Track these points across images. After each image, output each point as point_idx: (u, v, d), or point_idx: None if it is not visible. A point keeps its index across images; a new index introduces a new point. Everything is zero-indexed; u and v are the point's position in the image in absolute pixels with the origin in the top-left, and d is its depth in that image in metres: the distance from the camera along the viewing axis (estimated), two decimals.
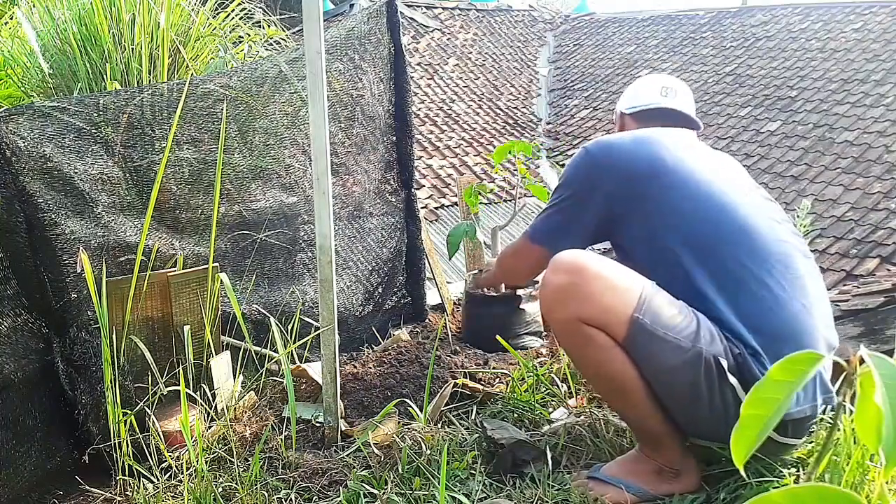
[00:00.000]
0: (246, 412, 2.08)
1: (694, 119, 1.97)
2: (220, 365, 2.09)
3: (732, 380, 1.42)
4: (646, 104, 1.97)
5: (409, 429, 1.92)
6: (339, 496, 1.68)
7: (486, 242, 2.74)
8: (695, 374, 1.43)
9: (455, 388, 2.16)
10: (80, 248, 1.78)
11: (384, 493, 1.63)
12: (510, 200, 7.99)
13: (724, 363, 1.43)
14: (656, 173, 1.62)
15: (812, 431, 1.56)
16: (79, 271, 1.78)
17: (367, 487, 1.67)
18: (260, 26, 3.93)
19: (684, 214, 1.58)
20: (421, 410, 2.01)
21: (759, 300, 1.48)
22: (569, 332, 1.50)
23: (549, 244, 1.71)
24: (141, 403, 1.85)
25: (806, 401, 1.45)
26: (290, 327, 2.19)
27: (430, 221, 7.53)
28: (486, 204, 7.54)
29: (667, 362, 1.44)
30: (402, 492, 1.65)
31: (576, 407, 2.04)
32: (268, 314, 2.20)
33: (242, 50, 3.81)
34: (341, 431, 1.97)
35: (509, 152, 2.63)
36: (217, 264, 2.12)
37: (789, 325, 1.47)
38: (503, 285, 2.57)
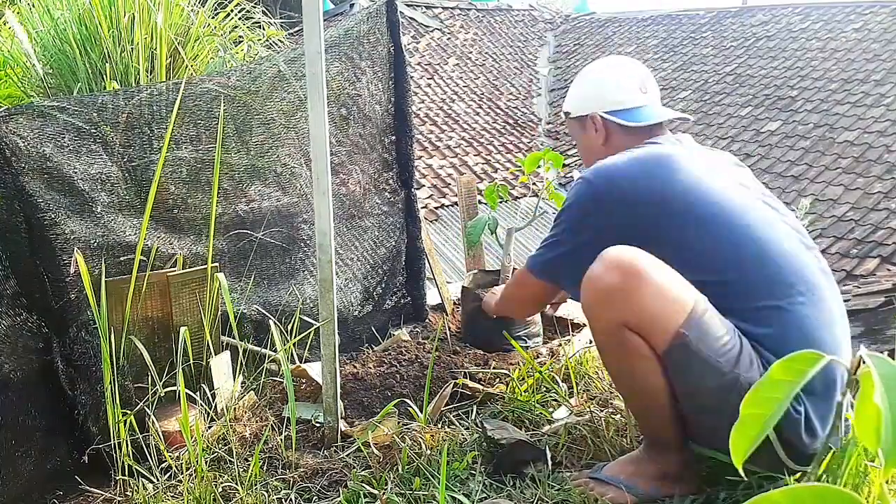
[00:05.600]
0: (246, 412, 2.08)
1: (681, 120, 1.90)
2: (220, 365, 2.09)
3: None
4: (630, 107, 1.80)
5: (409, 429, 1.92)
6: (339, 496, 1.68)
7: (500, 242, 2.73)
8: (727, 397, 1.36)
9: (455, 388, 2.16)
10: (76, 251, 1.78)
11: (384, 493, 1.63)
12: (510, 200, 7.98)
13: None
14: (666, 204, 1.54)
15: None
16: (73, 272, 1.77)
17: (367, 487, 1.67)
18: (259, 26, 3.92)
19: (702, 251, 1.50)
20: (421, 410, 2.01)
21: (787, 331, 1.43)
22: (608, 333, 1.45)
23: (551, 278, 1.62)
24: (141, 403, 1.85)
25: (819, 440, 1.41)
26: (289, 327, 2.19)
27: (430, 221, 7.53)
28: (485, 203, 7.53)
29: (703, 383, 1.40)
30: (402, 492, 1.65)
31: (576, 407, 2.04)
32: (267, 314, 2.20)
33: (242, 50, 3.80)
34: (341, 431, 1.97)
35: (540, 161, 2.60)
36: (216, 264, 2.12)
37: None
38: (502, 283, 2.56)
